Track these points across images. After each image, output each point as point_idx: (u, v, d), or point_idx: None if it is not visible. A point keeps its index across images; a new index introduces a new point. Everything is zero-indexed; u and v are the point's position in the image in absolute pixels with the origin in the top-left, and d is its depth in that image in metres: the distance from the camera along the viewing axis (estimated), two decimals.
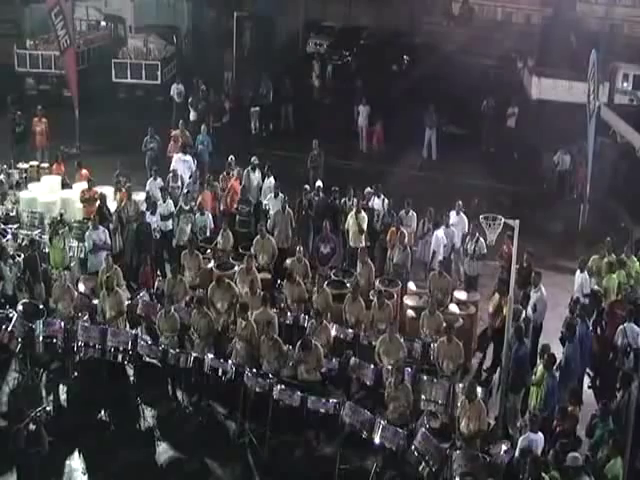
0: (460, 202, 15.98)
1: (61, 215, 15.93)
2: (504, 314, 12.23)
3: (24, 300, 13.48)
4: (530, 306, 13.31)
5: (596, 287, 14.11)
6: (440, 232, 15.30)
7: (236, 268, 14.33)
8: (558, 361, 11.83)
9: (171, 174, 18.28)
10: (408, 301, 14.17)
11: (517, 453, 10.19)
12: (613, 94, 27.42)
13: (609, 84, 26.82)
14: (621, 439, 10.03)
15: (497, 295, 13.45)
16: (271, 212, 16.55)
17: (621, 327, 12.74)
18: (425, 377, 11.83)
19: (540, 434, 10.37)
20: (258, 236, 15.23)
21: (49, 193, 17.70)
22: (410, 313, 13.83)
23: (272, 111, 26.13)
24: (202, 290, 14.05)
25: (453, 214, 15.85)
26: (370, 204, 16.47)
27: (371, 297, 13.67)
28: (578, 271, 14.19)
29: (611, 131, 23.54)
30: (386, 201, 16.57)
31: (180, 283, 13.68)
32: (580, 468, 9.63)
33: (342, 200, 16.68)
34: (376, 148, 24.04)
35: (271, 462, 11.38)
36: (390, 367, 11.61)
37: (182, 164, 18.66)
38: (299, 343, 11.92)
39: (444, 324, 12.77)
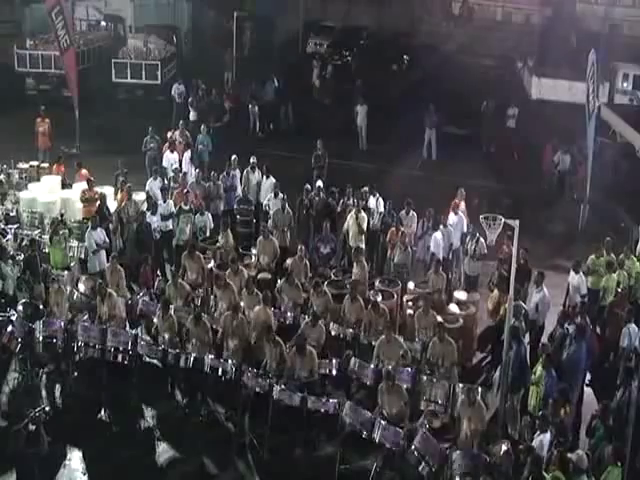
0: (457, 201, 15.96)
1: (61, 215, 15.94)
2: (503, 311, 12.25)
3: (24, 300, 13.48)
4: (532, 306, 13.32)
5: (590, 286, 14.14)
6: (438, 234, 15.30)
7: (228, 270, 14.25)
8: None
9: (172, 174, 18.34)
10: (407, 301, 14.15)
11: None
12: (613, 94, 27.45)
13: (609, 84, 26.85)
14: (620, 445, 10.04)
15: (496, 292, 13.45)
16: (271, 212, 16.56)
17: (624, 329, 12.73)
18: (425, 377, 11.83)
19: (548, 433, 10.38)
20: (261, 236, 15.23)
21: (49, 193, 17.70)
22: (410, 313, 13.81)
23: (272, 111, 26.18)
24: (202, 290, 14.07)
25: (451, 214, 15.84)
26: (368, 204, 16.47)
27: (370, 297, 13.67)
28: (572, 272, 14.11)
29: (611, 131, 23.55)
30: (381, 200, 16.57)
31: (181, 288, 13.60)
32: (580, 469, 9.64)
33: (340, 201, 16.69)
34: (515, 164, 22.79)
35: (271, 462, 11.38)
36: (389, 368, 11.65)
37: (167, 162, 19.04)
38: (294, 347, 11.92)
39: (439, 321, 12.80)
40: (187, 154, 19.38)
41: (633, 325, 12.72)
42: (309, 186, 17.12)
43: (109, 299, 13.01)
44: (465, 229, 15.81)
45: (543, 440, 10.26)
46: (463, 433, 10.75)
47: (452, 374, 11.96)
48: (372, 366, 11.97)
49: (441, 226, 15.40)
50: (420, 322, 12.93)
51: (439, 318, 12.90)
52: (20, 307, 13.16)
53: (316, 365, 11.87)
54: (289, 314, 13.26)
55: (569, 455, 9.74)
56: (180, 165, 19.09)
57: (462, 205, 16.31)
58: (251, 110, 25.46)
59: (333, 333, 12.81)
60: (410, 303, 13.87)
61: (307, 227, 16.71)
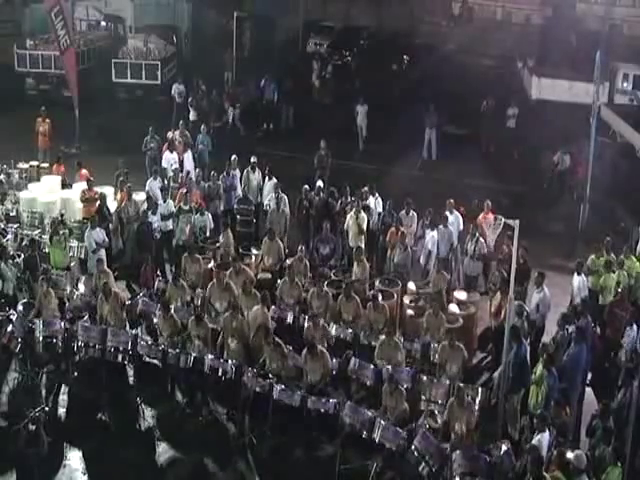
0: (452, 200, 15.97)
1: (61, 215, 15.93)
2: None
3: (24, 300, 13.48)
4: (533, 306, 13.32)
5: (590, 286, 14.14)
6: (435, 233, 15.29)
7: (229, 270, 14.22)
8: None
9: (172, 174, 18.33)
10: (408, 301, 14.16)
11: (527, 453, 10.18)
12: (613, 94, 27.44)
13: (609, 84, 26.84)
14: (621, 446, 10.03)
15: (499, 294, 13.44)
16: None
17: (628, 329, 12.73)
18: (425, 377, 11.83)
19: (547, 433, 10.38)
20: (266, 237, 15.22)
21: (49, 193, 17.70)
22: (410, 313, 13.82)
23: (272, 111, 26.24)
24: (202, 290, 14.07)
25: (448, 214, 15.82)
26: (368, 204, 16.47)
27: (368, 296, 13.67)
28: (575, 274, 14.12)
29: (611, 131, 23.53)
30: (380, 201, 16.55)
31: (182, 288, 13.64)
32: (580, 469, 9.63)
33: (339, 200, 16.69)
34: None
35: (271, 462, 11.38)
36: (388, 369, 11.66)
37: (167, 162, 19.07)
38: (305, 350, 11.90)
39: (446, 325, 12.82)
40: (189, 154, 19.35)
41: (635, 326, 12.73)
42: (308, 186, 17.08)
43: (114, 298, 13.01)
44: (461, 227, 15.81)
45: (542, 440, 10.26)
46: (456, 433, 10.77)
47: (457, 378, 11.94)
48: (372, 366, 11.98)
49: (441, 226, 15.39)
50: (429, 323, 12.93)
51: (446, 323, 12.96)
52: (20, 307, 13.16)
53: (329, 364, 11.87)
54: (289, 314, 13.26)
55: (568, 455, 9.74)
56: (180, 165, 19.10)
57: (490, 216, 15.86)
58: (231, 112, 25.41)
59: (333, 333, 12.81)
60: (410, 303, 13.87)
61: (307, 227, 16.70)
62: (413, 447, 10.40)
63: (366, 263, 14.57)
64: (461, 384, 11.56)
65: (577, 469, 9.55)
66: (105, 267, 14.07)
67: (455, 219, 15.79)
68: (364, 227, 15.77)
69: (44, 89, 27.55)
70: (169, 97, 25.71)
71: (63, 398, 12.67)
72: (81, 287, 14.12)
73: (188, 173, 18.44)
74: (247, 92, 26.88)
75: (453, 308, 13.93)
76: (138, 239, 15.67)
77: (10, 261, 14.23)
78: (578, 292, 13.92)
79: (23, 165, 19.20)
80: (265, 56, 31.36)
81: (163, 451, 11.68)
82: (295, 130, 25.90)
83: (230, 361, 11.97)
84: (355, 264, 14.53)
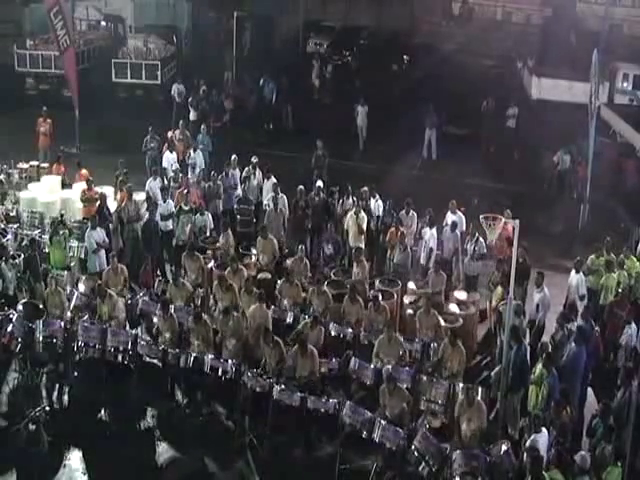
0: (454, 201, 15.97)
1: (61, 215, 15.94)
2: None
3: (24, 300, 13.48)
4: (533, 306, 13.32)
5: (591, 286, 14.13)
6: (433, 231, 15.29)
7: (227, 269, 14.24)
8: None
9: (172, 174, 18.34)
10: (408, 301, 14.16)
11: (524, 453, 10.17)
12: (613, 94, 27.46)
13: (609, 84, 26.86)
14: (621, 445, 10.03)
15: (500, 289, 13.44)
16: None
17: (626, 328, 12.72)
18: (425, 377, 11.82)
19: (544, 432, 10.37)
20: (260, 236, 15.21)
21: (49, 193, 17.71)
22: (410, 313, 13.82)
23: (272, 111, 26.24)
24: (202, 290, 14.07)
25: (449, 214, 15.82)
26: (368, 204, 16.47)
27: (368, 296, 13.68)
28: (573, 272, 14.09)
29: (611, 131, 23.54)
30: (380, 202, 16.55)
31: (183, 288, 13.65)
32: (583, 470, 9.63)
33: (340, 200, 16.68)
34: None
35: (271, 462, 11.38)
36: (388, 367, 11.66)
37: (167, 162, 19.12)
38: (295, 346, 11.90)
39: (442, 323, 12.81)
40: (198, 152, 19.30)
41: (634, 325, 12.72)
42: (303, 187, 17.00)
43: (109, 299, 13.01)
44: (464, 227, 15.81)
45: (536, 439, 10.25)
46: (463, 433, 10.75)
47: (458, 378, 11.94)
48: (372, 366, 11.98)
49: (448, 229, 15.37)
50: (421, 322, 12.93)
51: (442, 322, 12.95)
52: (20, 307, 13.15)
53: (317, 365, 11.87)
54: (289, 313, 13.26)
55: (575, 456, 9.75)
56: (180, 165, 19.09)
57: (509, 227, 15.10)
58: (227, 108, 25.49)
59: (333, 333, 12.81)
60: (410, 304, 13.88)
61: (303, 228, 16.67)
62: (413, 447, 10.39)
63: (365, 263, 14.57)
64: (460, 384, 11.59)
65: (581, 470, 9.56)
66: (119, 264, 14.10)
67: (458, 220, 15.78)
68: (364, 227, 15.77)
69: (44, 89, 27.57)
70: (169, 97, 25.72)
71: (63, 398, 12.68)
72: (81, 287, 14.12)
73: (202, 170, 18.61)
74: (244, 92, 26.87)
75: (453, 308, 13.93)
76: (144, 238, 15.67)
77: (10, 261, 14.23)
78: (575, 290, 13.90)
79: (23, 165, 19.22)
80: (265, 56, 31.38)
81: (163, 451, 11.67)
82: (295, 130, 25.91)
83: (230, 361, 11.97)
84: (355, 264, 14.53)
